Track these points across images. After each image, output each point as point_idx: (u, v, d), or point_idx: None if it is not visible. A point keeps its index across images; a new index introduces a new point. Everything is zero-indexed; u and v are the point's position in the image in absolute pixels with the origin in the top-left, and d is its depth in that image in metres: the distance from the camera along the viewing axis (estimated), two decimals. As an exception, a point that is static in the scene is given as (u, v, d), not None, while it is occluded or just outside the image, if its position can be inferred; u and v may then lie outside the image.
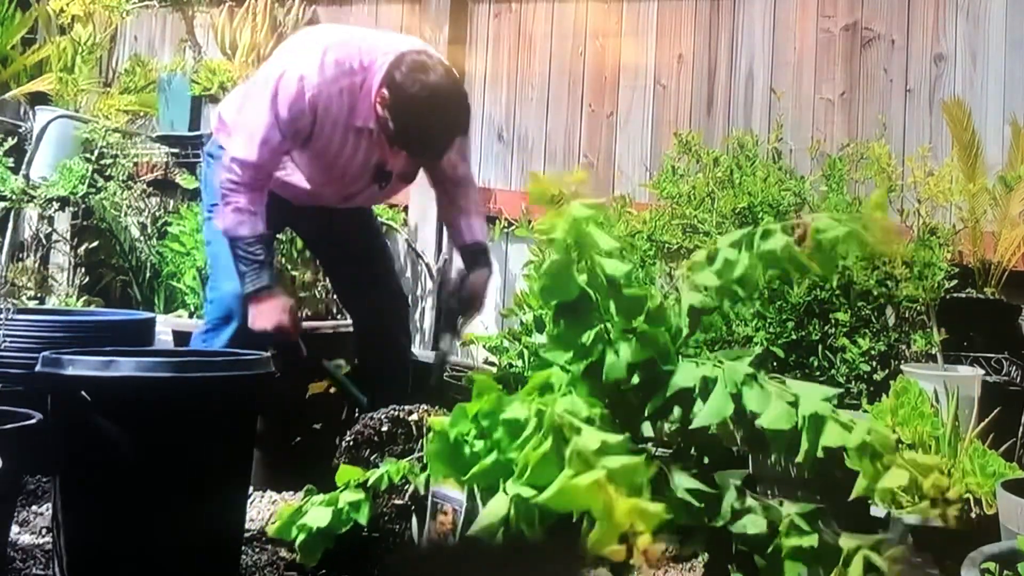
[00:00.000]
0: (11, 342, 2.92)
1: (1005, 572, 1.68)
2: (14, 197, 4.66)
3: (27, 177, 4.77)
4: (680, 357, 1.61)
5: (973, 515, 2.14)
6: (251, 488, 2.69)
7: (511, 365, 3.23)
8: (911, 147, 3.42)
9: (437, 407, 2.39)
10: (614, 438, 1.34)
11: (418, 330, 4.39)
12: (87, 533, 2.11)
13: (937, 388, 2.56)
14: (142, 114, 5.15)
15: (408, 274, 4.52)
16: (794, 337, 2.92)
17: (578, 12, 4.33)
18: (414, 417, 2.34)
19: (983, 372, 2.81)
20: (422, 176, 3.02)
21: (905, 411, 2.42)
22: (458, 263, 3.08)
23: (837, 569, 1.46)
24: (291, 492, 2.86)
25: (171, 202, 4.94)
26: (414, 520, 2.09)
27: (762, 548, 1.50)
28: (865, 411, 2.56)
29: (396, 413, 2.36)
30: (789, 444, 1.47)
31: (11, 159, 4.71)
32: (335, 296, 3.83)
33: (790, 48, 3.82)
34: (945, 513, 1.34)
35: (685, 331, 1.59)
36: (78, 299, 4.74)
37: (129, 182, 4.84)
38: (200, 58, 4.85)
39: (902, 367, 2.79)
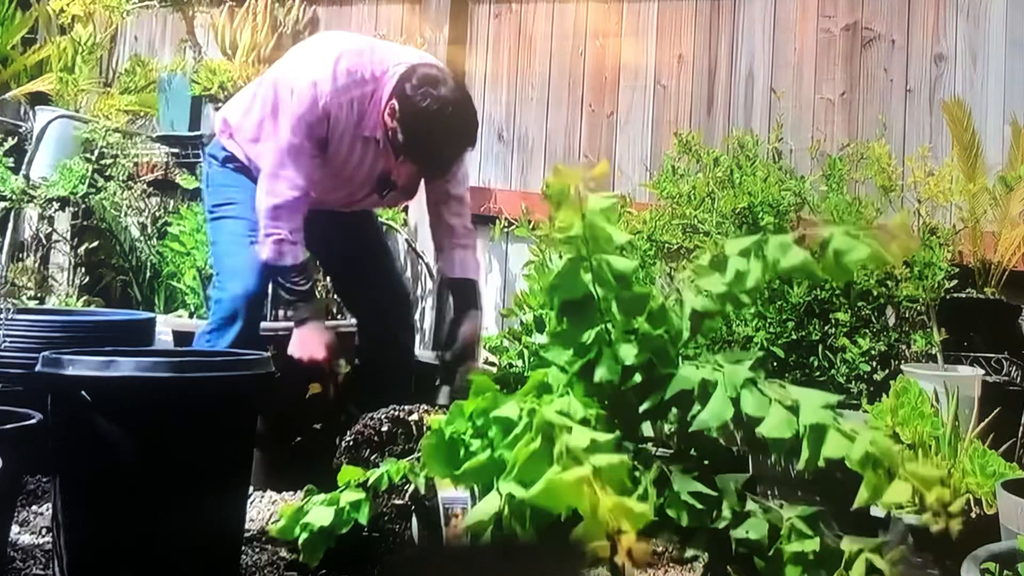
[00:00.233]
0: (11, 342, 2.93)
1: (1005, 572, 1.68)
2: (14, 197, 4.66)
3: (27, 177, 4.77)
4: (680, 359, 1.60)
5: (973, 515, 2.14)
6: (251, 488, 2.69)
7: (511, 365, 3.23)
8: (911, 147, 3.42)
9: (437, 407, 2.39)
10: (603, 436, 1.34)
11: (418, 330, 4.39)
12: (87, 533, 2.10)
13: (937, 388, 2.56)
14: (142, 114, 5.15)
15: (408, 274, 4.52)
16: (794, 337, 2.92)
17: (578, 12, 4.33)
18: (414, 417, 2.35)
19: (983, 372, 2.81)
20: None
21: (905, 411, 2.42)
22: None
23: (839, 572, 1.46)
24: (291, 492, 2.86)
25: (171, 202, 4.95)
26: (414, 520, 2.10)
27: (763, 551, 1.50)
28: (865, 411, 2.56)
29: (396, 413, 2.36)
30: (790, 450, 1.47)
31: (11, 159, 4.71)
32: (335, 296, 3.83)
33: (790, 48, 3.82)
34: (948, 525, 1.34)
35: (686, 334, 1.59)
36: (78, 299, 4.74)
37: (129, 182, 4.85)
38: (200, 58, 4.85)
39: (902, 367, 2.79)
